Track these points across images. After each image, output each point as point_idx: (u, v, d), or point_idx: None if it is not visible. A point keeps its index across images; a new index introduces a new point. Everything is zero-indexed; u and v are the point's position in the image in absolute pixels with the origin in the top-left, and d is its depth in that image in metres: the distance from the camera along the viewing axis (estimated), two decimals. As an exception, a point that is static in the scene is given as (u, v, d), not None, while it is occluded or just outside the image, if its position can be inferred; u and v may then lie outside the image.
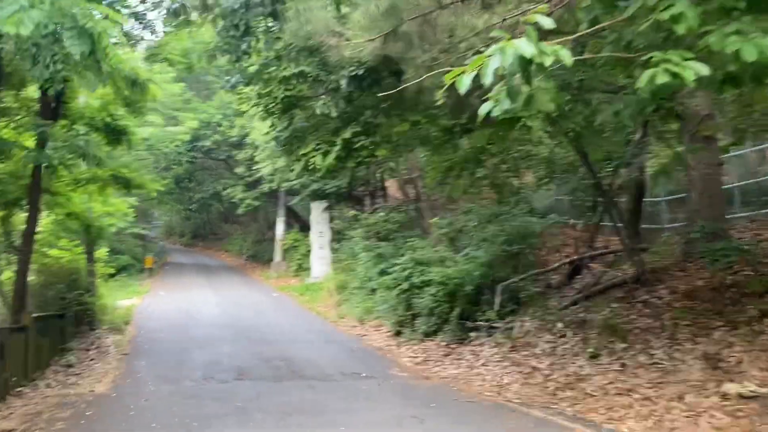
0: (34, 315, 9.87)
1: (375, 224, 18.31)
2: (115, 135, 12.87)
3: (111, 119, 12.81)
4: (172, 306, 19.68)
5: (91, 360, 11.20)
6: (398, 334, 14.65)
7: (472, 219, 14.88)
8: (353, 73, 7.47)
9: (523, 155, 15.21)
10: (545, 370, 9.68)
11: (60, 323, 11.21)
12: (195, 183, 37.42)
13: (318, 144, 8.54)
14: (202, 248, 51.25)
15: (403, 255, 15.66)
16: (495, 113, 4.18)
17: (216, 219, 53.17)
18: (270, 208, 36.67)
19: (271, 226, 35.21)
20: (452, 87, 6.28)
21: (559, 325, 10.95)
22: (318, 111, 8.24)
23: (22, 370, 8.87)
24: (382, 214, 18.00)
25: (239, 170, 30.72)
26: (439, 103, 6.72)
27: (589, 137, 8.40)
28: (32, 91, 11.92)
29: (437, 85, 6.95)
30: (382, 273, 16.40)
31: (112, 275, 26.54)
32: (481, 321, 12.51)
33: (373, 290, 18.01)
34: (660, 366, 8.16)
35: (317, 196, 25.85)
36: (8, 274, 14.58)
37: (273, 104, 8.65)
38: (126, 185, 12.45)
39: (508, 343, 11.36)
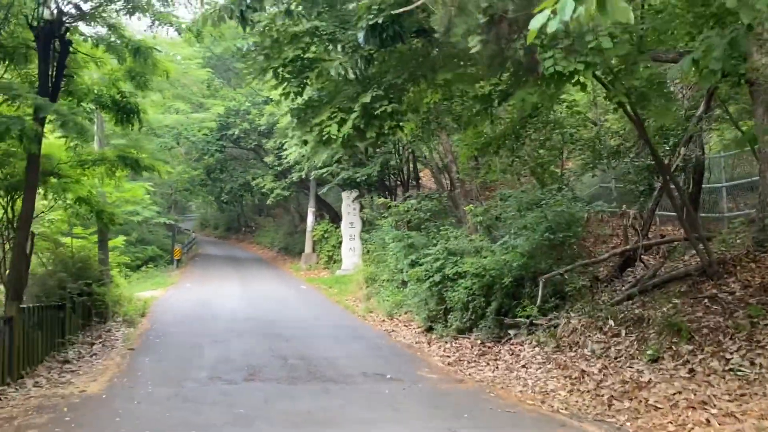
0: (24, 306, 8.97)
1: (406, 212, 17.12)
2: (125, 113, 11.98)
3: (120, 96, 11.92)
4: (194, 298, 18.86)
5: (93, 355, 10.31)
6: (429, 330, 13.50)
7: (510, 205, 13.58)
8: (372, 22, 6.31)
9: (566, 138, 13.91)
10: (597, 374, 8.38)
11: (60, 315, 10.34)
12: (226, 173, 36.76)
13: (333, 112, 7.41)
14: (235, 240, 50.97)
15: (435, 245, 14.49)
16: (551, 28, 2.96)
17: (249, 211, 52.96)
18: (302, 199, 35.86)
19: (304, 218, 34.41)
20: (490, 28, 5.02)
21: (611, 322, 9.63)
22: (333, 73, 7.09)
23: (5, 367, 7.98)
24: (413, 201, 16.78)
25: (268, 159, 29.88)
26: (474, 50, 5.55)
27: (653, 99, 7.06)
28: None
29: (471, 29, 5.76)
30: (413, 264, 15.31)
31: (138, 266, 26.12)
32: (520, 317, 11.26)
33: (404, 283, 16.90)
34: (740, 374, 6.81)
35: (347, 185, 24.87)
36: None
37: (282, 67, 7.55)
38: (134, 167, 11.53)
39: (552, 342, 10.09)
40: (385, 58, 7.86)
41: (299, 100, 8.30)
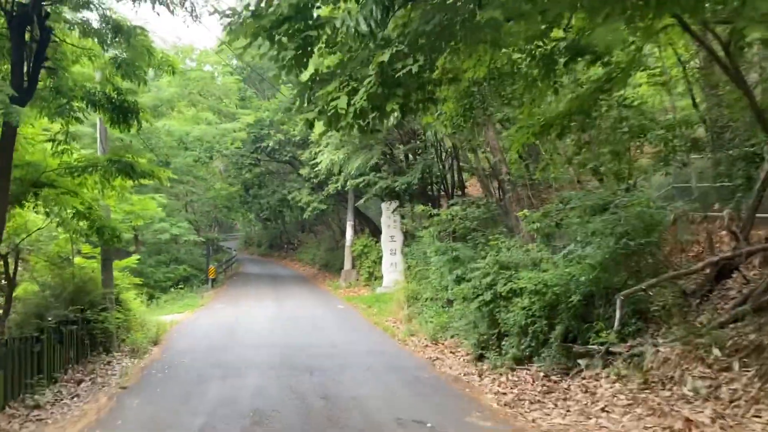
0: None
1: (450, 221, 15.13)
2: (121, 113, 10.44)
3: (116, 94, 10.39)
4: (221, 321, 17.25)
5: (75, 397, 8.64)
6: (480, 358, 11.45)
7: (573, 208, 11.46)
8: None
9: (635, 129, 11.70)
10: (710, 426, 6.21)
11: (35, 348, 8.70)
12: (264, 189, 35.46)
13: (343, 81, 5.57)
14: (278, 258, 49.86)
15: (483, 257, 12.46)
16: None
17: (292, 228, 51.94)
18: (342, 213, 34.29)
19: (344, 233, 32.80)
20: None
21: (717, 351, 7.43)
22: (339, 25, 5.26)
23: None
24: (457, 208, 14.76)
25: (304, 171, 28.28)
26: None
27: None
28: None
29: None
30: (459, 280, 13.34)
31: (170, 286, 24.81)
32: (593, 344, 9.13)
33: (449, 302, 14.92)
34: None
35: (386, 195, 23.04)
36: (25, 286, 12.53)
37: (277, 26, 5.74)
38: (129, 173, 9.93)
39: (638, 377, 7.94)
40: (410, 16, 5.96)
41: (304, 75, 6.46)
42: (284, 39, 6.01)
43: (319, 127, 6.82)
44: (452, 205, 16.48)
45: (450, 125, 9.56)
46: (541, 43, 5.99)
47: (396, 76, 5.19)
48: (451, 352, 12.63)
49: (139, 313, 15.31)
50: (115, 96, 10.35)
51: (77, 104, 10.25)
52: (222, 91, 27.45)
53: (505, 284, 11.07)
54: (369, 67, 5.39)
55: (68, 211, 11.16)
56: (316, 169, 23.81)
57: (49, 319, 9.14)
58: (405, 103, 5.71)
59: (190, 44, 27.36)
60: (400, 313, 17.17)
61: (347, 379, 9.92)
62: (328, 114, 5.46)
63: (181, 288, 24.52)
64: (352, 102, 5.35)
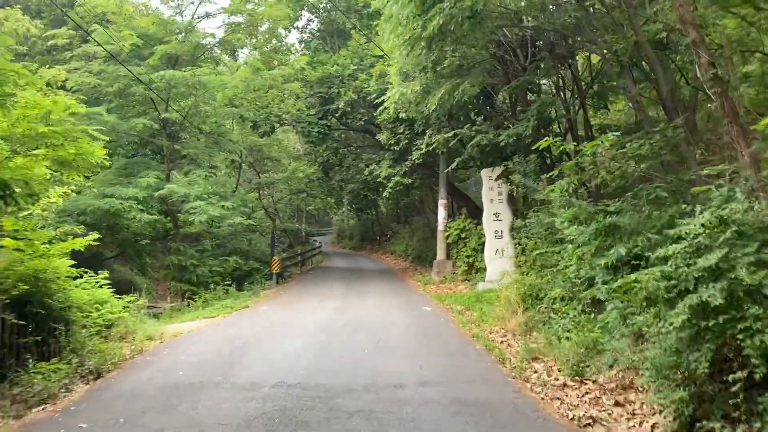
0: None
1: (592, 168, 8.80)
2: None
3: None
4: (242, 333, 11.89)
5: None
6: (694, 426, 5.27)
7: None
8: None
9: None
10: None
11: None
12: (344, 170, 30.32)
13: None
14: (369, 251, 44.83)
15: (690, 212, 6.23)
16: None
17: (387, 219, 46.87)
18: (436, 194, 28.47)
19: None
20: None
21: None
22: None
23: None
24: (613, 137, 8.24)
25: (382, 137, 22.46)
26: None
27: None
28: None
29: None
30: (616, 266, 7.35)
31: (218, 282, 20.06)
32: None
33: (596, 302, 8.75)
34: None
35: (486, 155, 16.82)
36: None
37: None
38: None
39: None
40: None
41: None
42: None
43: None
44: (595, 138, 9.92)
45: None
46: None
47: None
48: (617, 404, 6.47)
49: (119, 323, 10.28)
50: None
51: None
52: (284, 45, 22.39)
53: (756, 269, 4.85)
54: None
55: None
56: (382, 108, 17.78)
57: None
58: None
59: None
60: (513, 321, 11.10)
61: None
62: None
63: (228, 284, 19.55)
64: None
